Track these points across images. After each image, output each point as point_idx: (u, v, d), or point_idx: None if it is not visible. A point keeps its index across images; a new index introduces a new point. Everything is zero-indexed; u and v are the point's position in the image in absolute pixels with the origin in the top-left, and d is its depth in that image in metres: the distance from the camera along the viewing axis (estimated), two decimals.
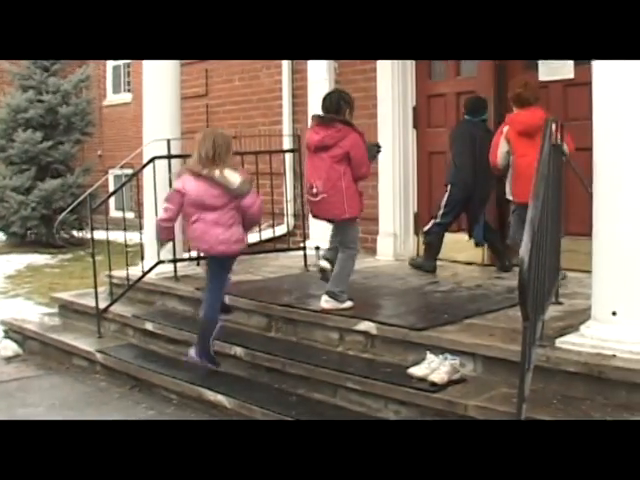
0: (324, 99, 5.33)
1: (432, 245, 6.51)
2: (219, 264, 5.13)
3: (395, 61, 7.26)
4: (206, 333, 5.07)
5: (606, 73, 3.88)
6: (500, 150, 5.76)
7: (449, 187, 6.41)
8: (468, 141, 6.33)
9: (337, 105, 5.22)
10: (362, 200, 5.32)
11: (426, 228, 6.55)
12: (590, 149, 4.05)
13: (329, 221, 5.42)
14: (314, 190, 5.18)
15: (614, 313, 3.89)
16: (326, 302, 5.19)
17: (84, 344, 6.14)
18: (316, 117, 5.30)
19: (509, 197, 5.87)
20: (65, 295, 7.24)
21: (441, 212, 6.42)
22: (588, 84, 4.09)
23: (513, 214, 5.84)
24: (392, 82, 7.37)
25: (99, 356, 5.89)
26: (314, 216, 5.42)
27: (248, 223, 5.14)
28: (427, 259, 6.56)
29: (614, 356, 3.83)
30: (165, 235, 5.27)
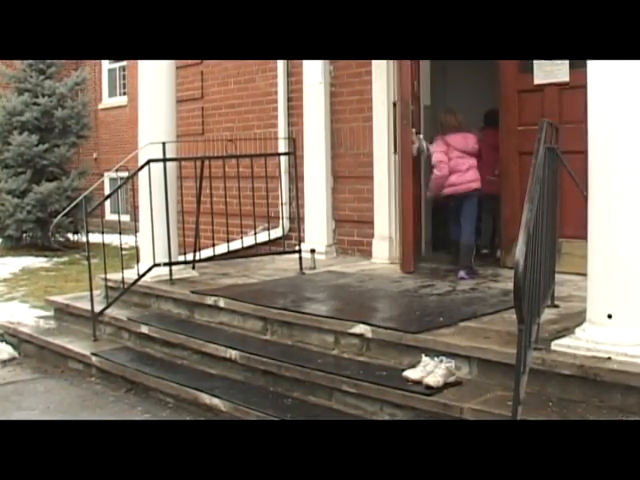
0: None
1: None
2: None
3: (390, 63, 7.26)
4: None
5: (601, 75, 3.89)
6: None
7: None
8: None
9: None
10: None
11: None
12: (585, 152, 4.05)
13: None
14: (496, 172, 6.78)
15: (609, 316, 3.90)
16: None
17: (79, 347, 6.14)
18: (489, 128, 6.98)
19: None
20: (60, 298, 7.23)
21: None
22: (583, 87, 4.09)
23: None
24: (387, 85, 7.37)
25: (94, 359, 5.88)
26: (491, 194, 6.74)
27: None
28: None
29: (609, 359, 3.83)
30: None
